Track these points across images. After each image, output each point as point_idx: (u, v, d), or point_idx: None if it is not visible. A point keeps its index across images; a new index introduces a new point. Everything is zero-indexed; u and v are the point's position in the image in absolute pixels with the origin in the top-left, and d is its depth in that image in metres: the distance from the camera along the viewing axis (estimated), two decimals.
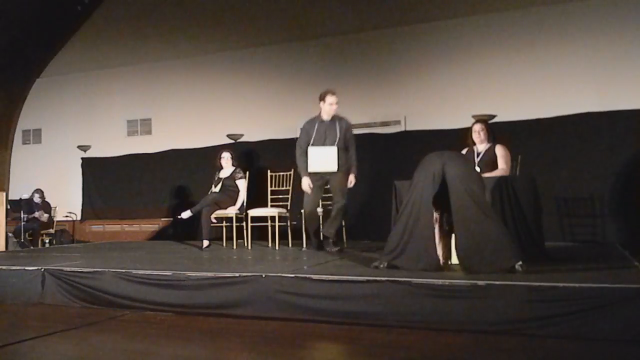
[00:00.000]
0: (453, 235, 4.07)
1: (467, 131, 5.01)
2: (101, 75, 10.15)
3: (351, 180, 5.38)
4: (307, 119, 5.50)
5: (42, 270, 4.25)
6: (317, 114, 5.46)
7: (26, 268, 4.36)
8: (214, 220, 6.43)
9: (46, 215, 8.72)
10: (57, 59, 10.35)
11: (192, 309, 3.68)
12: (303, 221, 5.61)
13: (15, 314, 4.00)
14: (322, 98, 5.32)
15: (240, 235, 6.41)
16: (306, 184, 5.32)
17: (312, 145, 5.29)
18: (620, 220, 6.43)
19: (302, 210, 5.53)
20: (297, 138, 5.59)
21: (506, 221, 3.94)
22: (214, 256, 5.41)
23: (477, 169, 4.43)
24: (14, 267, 4.45)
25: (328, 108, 5.30)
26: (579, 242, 6.42)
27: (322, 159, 5.21)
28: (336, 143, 5.26)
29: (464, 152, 4.88)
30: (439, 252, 3.78)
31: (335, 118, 5.35)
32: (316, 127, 5.33)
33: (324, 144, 5.27)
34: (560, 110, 6.90)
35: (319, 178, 5.38)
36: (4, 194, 7.40)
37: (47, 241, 8.74)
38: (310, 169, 5.28)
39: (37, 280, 4.23)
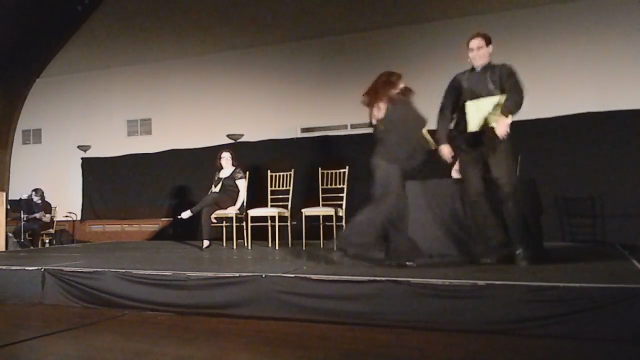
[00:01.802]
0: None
1: None
2: (101, 75, 10.15)
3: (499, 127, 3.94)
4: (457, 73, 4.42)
5: (42, 270, 4.25)
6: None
7: (26, 268, 4.36)
8: (214, 220, 6.44)
9: (48, 215, 8.72)
10: (57, 59, 10.35)
11: (192, 309, 3.68)
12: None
13: (15, 314, 3.99)
14: (467, 45, 4.33)
15: (240, 235, 6.41)
16: (446, 150, 4.30)
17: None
18: (620, 220, 6.43)
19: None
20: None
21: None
22: (214, 256, 5.40)
23: None
24: (14, 267, 4.45)
25: (472, 55, 4.32)
26: (579, 242, 6.43)
27: (475, 117, 4.12)
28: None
29: None
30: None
31: (487, 67, 4.27)
32: (464, 79, 4.33)
33: (476, 98, 4.20)
34: (560, 110, 6.90)
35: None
36: (4, 194, 7.40)
37: (47, 241, 8.74)
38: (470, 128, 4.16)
39: (37, 280, 4.23)
